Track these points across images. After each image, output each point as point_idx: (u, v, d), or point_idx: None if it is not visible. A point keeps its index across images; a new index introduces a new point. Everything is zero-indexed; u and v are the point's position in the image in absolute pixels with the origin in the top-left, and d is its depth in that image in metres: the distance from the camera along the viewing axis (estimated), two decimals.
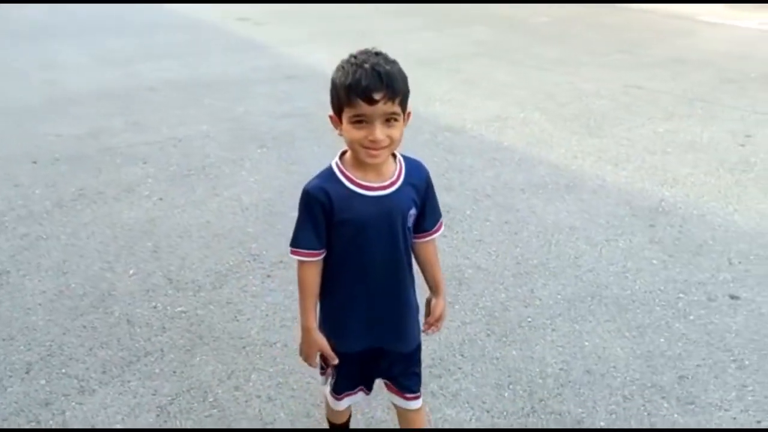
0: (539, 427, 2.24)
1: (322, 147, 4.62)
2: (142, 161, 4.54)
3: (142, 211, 3.81)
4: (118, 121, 5.38)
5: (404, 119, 1.54)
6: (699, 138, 4.94)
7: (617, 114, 5.51)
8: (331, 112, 1.57)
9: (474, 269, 3.21)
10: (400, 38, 8.22)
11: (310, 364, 1.78)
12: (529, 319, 2.82)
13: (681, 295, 2.98)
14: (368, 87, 1.45)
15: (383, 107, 1.47)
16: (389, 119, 1.50)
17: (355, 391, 1.87)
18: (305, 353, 1.75)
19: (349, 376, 1.83)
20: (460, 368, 2.52)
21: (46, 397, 2.39)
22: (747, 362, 2.54)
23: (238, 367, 2.54)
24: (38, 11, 10.76)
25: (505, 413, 2.30)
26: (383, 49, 1.57)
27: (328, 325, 1.73)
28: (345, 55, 1.55)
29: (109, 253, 3.36)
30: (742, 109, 5.59)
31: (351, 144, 1.54)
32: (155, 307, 2.92)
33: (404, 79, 1.53)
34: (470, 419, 2.28)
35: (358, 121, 1.49)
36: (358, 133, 1.50)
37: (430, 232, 1.75)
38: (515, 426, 2.25)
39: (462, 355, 2.59)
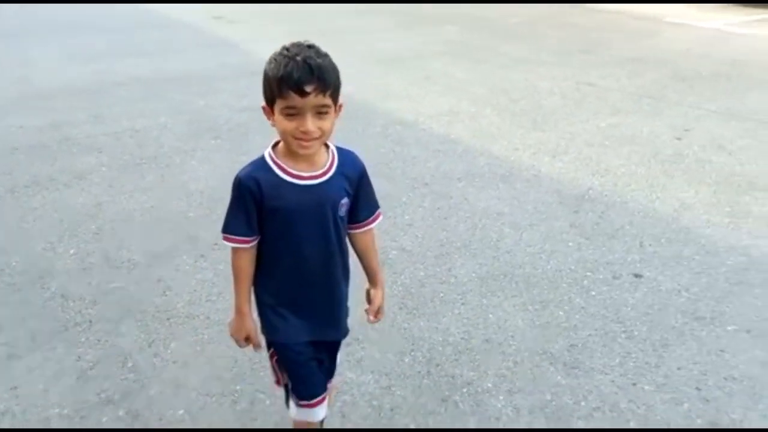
0: (432, 388, 2.41)
1: (274, 139, 4.78)
2: (98, 151, 4.70)
3: (91, 197, 3.97)
4: (81, 114, 5.54)
5: (336, 111, 1.57)
6: (639, 132, 5.13)
7: (565, 110, 5.70)
8: (263, 103, 1.60)
9: (399, 251, 3.38)
10: (369, 36, 8.41)
11: (239, 345, 1.81)
12: (442, 295, 3.00)
13: (588, 273, 3.16)
14: (300, 79, 1.47)
15: (314, 99, 1.50)
16: (320, 111, 1.52)
17: (323, 395, 1.84)
18: (234, 335, 1.79)
19: (308, 375, 1.80)
20: (368, 338, 2.69)
21: None
22: (636, 333, 2.72)
23: (159, 336, 2.70)
24: (13, 10, 10.90)
25: (402, 376, 2.47)
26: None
27: (262, 313, 1.76)
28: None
29: (53, 235, 3.52)
30: (687, 105, 5.79)
31: (283, 135, 1.57)
32: (90, 284, 3.08)
33: (336, 71, 1.55)
34: (369, 381, 2.45)
35: (290, 113, 1.52)
36: (289, 125, 1.53)
37: (366, 222, 1.78)
38: (409, 388, 2.42)
39: (372, 327, 2.76)
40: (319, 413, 1.84)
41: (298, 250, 1.67)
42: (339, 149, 1.69)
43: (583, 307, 2.90)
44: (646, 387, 2.42)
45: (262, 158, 1.65)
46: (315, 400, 1.82)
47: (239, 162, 1.77)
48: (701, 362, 2.54)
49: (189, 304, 2.93)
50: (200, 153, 4.67)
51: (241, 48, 8.05)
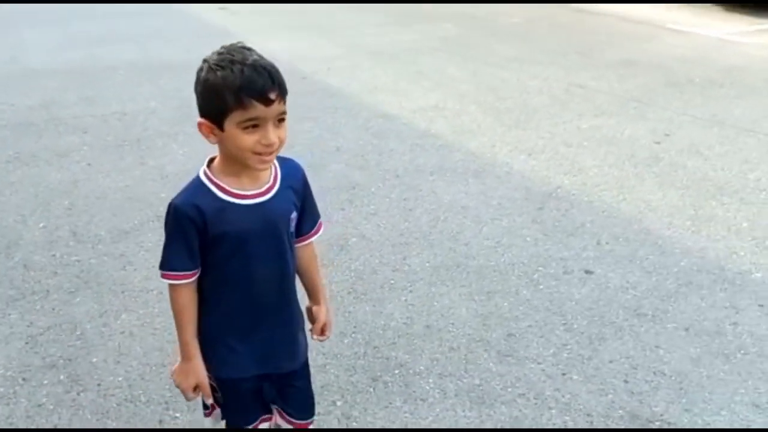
0: (366, 368, 2.48)
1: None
2: (83, 131, 4.81)
3: (69, 174, 4.08)
4: (72, 95, 5.66)
5: None
6: (620, 134, 5.16)
7: (550, 110, 5.73)
8: (201, 119, 1.43)
9: (358, 238, 3.45)
10: (366, 31, 8.47)
11: (186, 396, 1.60)
12: (392, 282, 3.07)
13: (540, 268, 3.22)
14: (264, 87, 1.35)
15: (277, 107, 1.38)
16: (281, 119, 1.41)
17: (258, 422, 1.68)
18: (181, 384, 1.57)
19: (244, 409, 1.65)
20: None
21: None
22: (575, 326, 2.78)
23: (111, 308, 2.80)
24: None
25: (339, 356, 2.55)
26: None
27: (208, 347, 1.58)
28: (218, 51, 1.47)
29: (26, 208, 3.63)
30: (672, 110, 5.80)
31: (239, 151, 1.40)
32: (54, 255, 3.18)
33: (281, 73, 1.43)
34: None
35: (250, 125, 1.37)
36: (249, 138, 1.38)
37: (309, 235, 1.65)
38: (343, 367, 2.49)
39: None
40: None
41: (248, 275, 1.52)
42: (279, 159, 1.54)
43: (528, 300, 2.95)
44: (575, 377, 2.47)
45: (198, 180, 1.48)
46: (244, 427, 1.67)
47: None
48: (634, 357, 2.59)
49: (145, 279, 3.02)
50: (182, 137, 4.76)
51: (237, 38, 7.98)
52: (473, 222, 3.67)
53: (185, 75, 6.84)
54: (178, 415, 2.25)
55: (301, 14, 9.94)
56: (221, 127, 1.40)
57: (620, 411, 2.31)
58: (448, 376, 2.45)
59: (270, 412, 1.70)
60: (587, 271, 3.19)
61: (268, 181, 1.51)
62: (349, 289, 2.98)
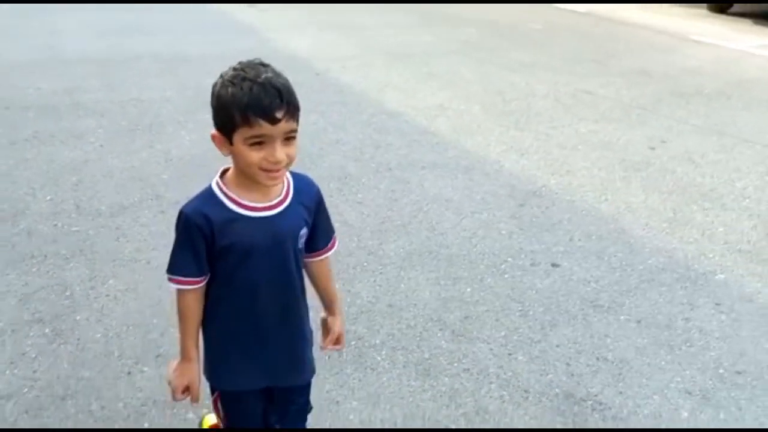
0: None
1: None
2: (100, 115, 5.10)
3: (81, 154, 4.36)
4: (96, 82, 5.98)
5: None
6: (616, 140, 5.25)
7: (553, 114, 5.85)
8: (214, 131, 1.48)
9: (341, 224, 3.63)
10: (386, 32, 8.67)
11: (174, 396, 1.63)
12: (365, 264, 3.25)
13: (509, 259, 3.36)
14: (271, 105, 1.37)
15: (285, 125, 1.40)
16: (289, 137, 1.42)
17: None
18: (174, 381, 1.61)
19: (244, 422, 1.69)
20: None
21: None
22: (531, 313, 2.92)
23: (100, 274, 3.04)
24: None
25: None
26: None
27: (212, 357, 1.63)
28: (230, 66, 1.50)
29: (36, 182, 3.91)
30: (675, 119, 5.86)
31: (247, 167, 1.44)
32: (56, 225, 3.44)
33: (295, 92, 1.45)
34: None
35: (257, 142, 1.40)
36: (256, 155, 1.41)
37: (323, 250, 1.69)
38: None
39: None
40: None
41: (254, 288, 1.55)
42: (294, 175, 1.58)
43: (491, 287, 3.10)
44: (520, 357, 2.62)
45: (210, 190, 1.52)
46: None
47: None
48: (581, 343, 2.73)
49: (136, 250, 3.25)
50: (192, 125, 5.01)
51: (260, 35, 8.42)
52: (454, 214, 3.82)
53: (203, 67, 7.18)
54: (146, 369, 2.46)
55: (328, 13, 10.19)
56: (231, 142, 1.44)
57: (557, 389, 2.45)
58: (400, 350, 2.62)
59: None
60: (554, 264, 3.33)
61: (280, 195, 1.53)
62: None
